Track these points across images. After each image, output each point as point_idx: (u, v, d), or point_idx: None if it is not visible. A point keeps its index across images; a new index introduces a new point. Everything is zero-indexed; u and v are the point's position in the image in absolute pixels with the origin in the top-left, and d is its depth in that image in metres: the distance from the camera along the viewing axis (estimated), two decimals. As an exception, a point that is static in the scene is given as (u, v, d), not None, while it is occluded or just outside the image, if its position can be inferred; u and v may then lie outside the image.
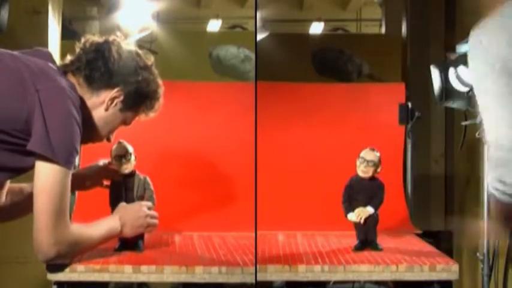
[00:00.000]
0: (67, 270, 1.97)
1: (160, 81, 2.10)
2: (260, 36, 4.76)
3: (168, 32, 4.91)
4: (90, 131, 2.01)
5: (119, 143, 2.23)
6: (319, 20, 7.15)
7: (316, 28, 7.11)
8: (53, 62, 1.99)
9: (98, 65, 1.99)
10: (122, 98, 2.02)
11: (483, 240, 1.99)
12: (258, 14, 4.38)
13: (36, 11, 3.37)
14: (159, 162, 2.65)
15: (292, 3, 8.03)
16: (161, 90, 2.10)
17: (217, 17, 7.13)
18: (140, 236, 2.21)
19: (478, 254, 2.77)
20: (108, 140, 2.14)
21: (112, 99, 2.01)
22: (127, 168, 2.22)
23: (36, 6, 3.37)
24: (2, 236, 3.22)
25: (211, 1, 8.30)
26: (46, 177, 1.85)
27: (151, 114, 2.11)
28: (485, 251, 2.69)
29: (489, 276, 2.74)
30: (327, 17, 7.43)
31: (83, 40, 2.05)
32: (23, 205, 2.03)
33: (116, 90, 2.01)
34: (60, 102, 1.85)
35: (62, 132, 1.84)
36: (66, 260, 1.98)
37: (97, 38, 2.05)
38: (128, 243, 2.19)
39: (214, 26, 7.07)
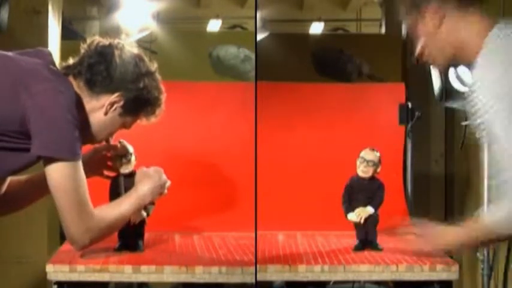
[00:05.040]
0: (67, 270, 1.97)
1: (162, 87, 2.08)
2: (260, 36, 4.75)
3: (168, 32, 4.91)
4: (87, 133, 2.01)
5: (119, 142, 2.23)
6: (319, 20, 7.14)
7: (316, 28, 7.10)
8: (52, 62, 1.97)
9: (99, 70, 1.97)
10: (121, 103, 2.00)
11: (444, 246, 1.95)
12: (258, 14, 4.37)
13: (36, 11, 3.36)
14: (159, 162, 2.64)
15: (292, 3, 8.02)
16: (163, 97, 2.08)
17: (217, 17, 7.13)
18: (140, 236, 2.21)
19: (478, 254, 2.77)
20: (107, 141, 2.13)
21: (112, 104, 1.99)
22: (127, 168, 2.22)
23: (36, 6, 3.36)
24: (2, 236, 3.22)
25: (211, 1, 8.29)
26: (57, 175, 1.86)
27: (152, 119, 2.10)
28: (485, 251, 2.69)
29: (489, 276, 2.74)
30: (327, 17, 7.41)
31: (88, 41, 2.02)
32: (20, 197, 2.03)
33: (116, 95, 1.99)
34: (53, 103, 1.84)
35: (59, 129, 1.84)
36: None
37: (102, 40, 2.02)
38: (128, 243, 2.19)
39: (214, 26, 7.06)
